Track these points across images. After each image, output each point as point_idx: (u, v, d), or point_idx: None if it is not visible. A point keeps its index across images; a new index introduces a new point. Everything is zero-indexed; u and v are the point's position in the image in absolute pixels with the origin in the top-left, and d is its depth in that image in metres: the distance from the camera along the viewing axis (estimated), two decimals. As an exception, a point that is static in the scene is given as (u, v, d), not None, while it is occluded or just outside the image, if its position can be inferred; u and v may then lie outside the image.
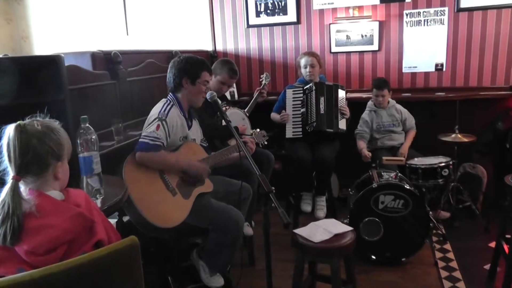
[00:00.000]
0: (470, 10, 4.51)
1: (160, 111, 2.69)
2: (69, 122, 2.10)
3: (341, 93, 4.11)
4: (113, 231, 1.58)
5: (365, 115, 4.27)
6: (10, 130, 1.41)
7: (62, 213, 1.41)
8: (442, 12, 4.58)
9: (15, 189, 1.38)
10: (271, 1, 5.00)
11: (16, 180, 1.39)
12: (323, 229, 2.75)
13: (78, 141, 2.05)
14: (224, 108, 3.62)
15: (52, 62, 2.10)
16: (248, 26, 5.15)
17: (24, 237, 1.35)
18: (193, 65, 2.81)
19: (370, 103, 4.30)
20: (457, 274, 3.27)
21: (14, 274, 1.30)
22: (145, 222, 2.51)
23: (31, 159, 1.40)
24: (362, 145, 4.16)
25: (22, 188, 1.42)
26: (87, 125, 2.08)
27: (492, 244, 3.29)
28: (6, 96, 1.97)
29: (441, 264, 3.42)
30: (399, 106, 4.28)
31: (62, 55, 2.17)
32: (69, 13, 5.81)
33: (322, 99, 4.02)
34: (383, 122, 4.20)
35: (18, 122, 1.42)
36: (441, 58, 4.68)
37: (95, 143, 2.10)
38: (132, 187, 2.46)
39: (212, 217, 2.72)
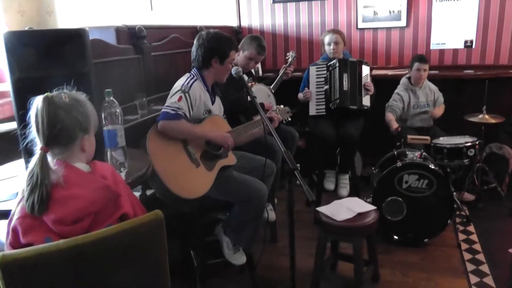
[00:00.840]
0: (504, -17, 4.36)
1: (183, 84, 2.69)
2: (93, 95, 2.10)
3: (365, 69, 4.05)
4: (138, 205, 1.60)
5: (400, 91, 4.18)
6: (38, 101, 1.41)
7: (88, 185, 1.43)
8: (473, -14, 4.43)
9: (43, 160, 1.39)
10: (298, -24, 4.91)
11: (44, 151, 1.41)
12: (346, 207, 2.74)
13: (103, 115, 2.06)
14: (249, 84, 3.59)
15: (76, 35, 2.08)
16: (274, 1, 5.09)
17: (51, 207, 1.37)
18: (223, 44, 2.77)
19: (405, 80, 4.21)
20: (481, 256, 3.23)
21: (42, 243, 1.34)
22: (169, 193, 2.52)
23: (59, 131, 1.42)
24: (390, 116, 4.08)
25: (49, 159, 1.43)
26: (112, 98, 2.08)
27: (518, 227, 3.24)
28: (32, 68, 1.98)
29: (464, 246, 3.38)
30: (432, 86, 4.21)
31: (87, 28, 2.16)
32: (94, -12, 5.80)
33: (345, 76, 3.96)
34: (419, 102, 4.14)
35: (46, 94, 1.42)
36: (471, 34, 4.55)
37: (120, 117, 2.10)
38: (156, 158, 2.47)
39: (236, 189, 2.72)
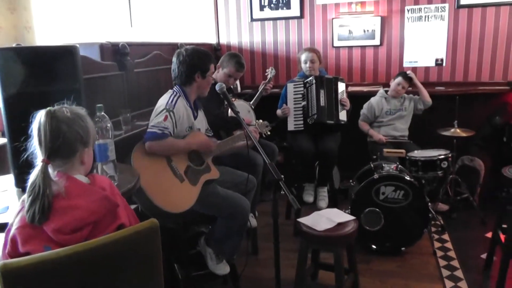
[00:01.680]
0: (470, 6, 4.60)
1: (167, 102, 2.74)
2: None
3: (341, 86, 4.17)
4: (133, 216, 1.65)
5: (373, 100, 4.39)
6: (41, 115, 1.47)
7: (89, 196, 1.48)
8: (442, 9, 4.66)
9: (45, 172, 1.44)
10: (275, -5, 5.07)
11: (45, 163, 1.46)
12: (326, 218, 2.82)
13: (94, 129, 2.11)
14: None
15: (68, 52, 2.15)
16: (252, 19, 5.22)
17: (52, 217, 1.42)
18: (203, 59, 2.87)
19: (382, 91, 4.41)
20: (455, 263, 3.37)
21: (41, 251, 1.38)
22: (154, 208, 2.57)
23: (61, 144, 1.47)
24: (367, 126, 4.38)
25: (50, 171, 1.48)
26: (103, 113, 2.13)
27: (489, 235, 3.40)
28: (23, 84, 2.02)
29: (439, 253, 3.51)
30: (406, 95, 4.41)
31: (77, 45, 2.22)
32: (72, 4, 5.84)
33: (322, 92, 4.08)
34: (391, 109, 4.33)
35: (49, 108, 1.48)
36: (441, 53, 4.77)
37: (110, 131, 2.15)
38: (141, 175, 2.51)
39: (219, 204, 2.79)
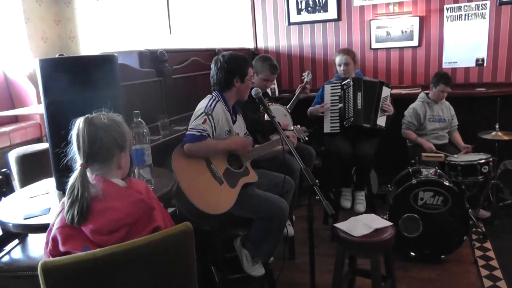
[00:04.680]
0: (513, 3, 4.44)
1: (206, 106, 2.80)
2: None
3: (386, 91, 4.04)
4: (168, 220, 1.70)
5: (417, 105, 4.28)
6: (79, 122, 1.55)
7: (125, 198, 1.54)
8: (483, 6, 4.53)
9: (83, 176, 1.51)
10: (312, -1, 5.07)
11: (84, 167, 1.52)
12: (363, 223, 2.78)
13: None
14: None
15: (107, 61, 2.23)
16: (289, 23, 5.24)
17: (90, 218, 1.48)
18: (241, 64, 2.92)
19: (423, 95, 4.31)
20: (498, 273, 3.23)
21: (79, 251, 1.45)
22: (194, 210, 2.61)
23: (98, 149, 1.54)
24: (413, 135, 4.23)
25: (88, 174, 1.55)
26: (140, 119, 2.20)
27: (534, 243, 3.25)
28: (64, 92, 2.10)
29: (481, 262, 3.38)
30: (447, 103, 4.30)
31: (116, 54, 2.30)
32: (114, 14, 6.03)
33: (359, 95, 4.02)
34: (434, 115, 4.23)
35: (87, 116, 1.55)
36: (482, 53, 4.64)
37: (147, 136, 2.22)
38: (181, 177, 2.58)
39: (258, 205, 2.80)
